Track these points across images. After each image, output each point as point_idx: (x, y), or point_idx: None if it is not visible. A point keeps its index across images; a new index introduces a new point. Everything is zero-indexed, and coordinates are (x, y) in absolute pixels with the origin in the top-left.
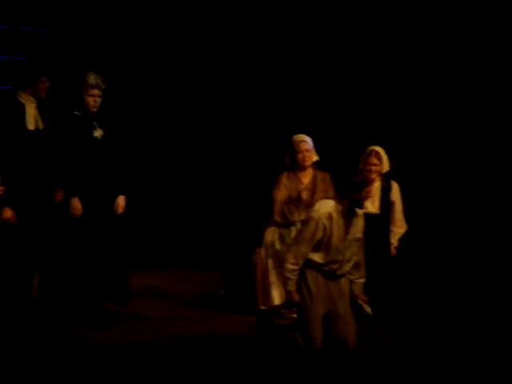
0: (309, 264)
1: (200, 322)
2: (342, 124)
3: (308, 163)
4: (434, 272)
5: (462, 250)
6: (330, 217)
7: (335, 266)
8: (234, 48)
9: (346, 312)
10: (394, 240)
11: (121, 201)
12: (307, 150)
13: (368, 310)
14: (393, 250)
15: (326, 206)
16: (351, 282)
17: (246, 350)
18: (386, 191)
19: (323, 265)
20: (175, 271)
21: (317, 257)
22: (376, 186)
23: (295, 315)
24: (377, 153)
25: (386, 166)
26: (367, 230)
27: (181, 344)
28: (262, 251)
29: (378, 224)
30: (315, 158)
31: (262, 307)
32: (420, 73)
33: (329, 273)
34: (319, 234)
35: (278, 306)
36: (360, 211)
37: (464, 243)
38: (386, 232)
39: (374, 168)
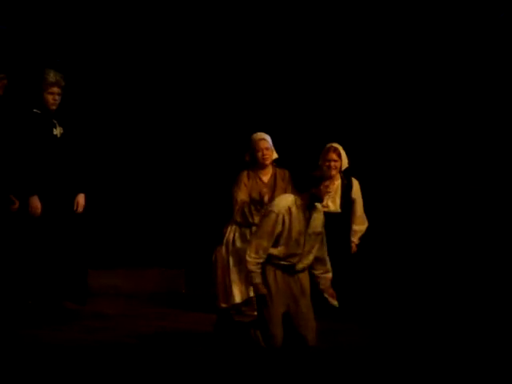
0: (268, 260)
1: (161, 320)
2: (300, 122)
3: (268, 161)
4: (394, 269)
5: (421, 247)
6: (289, 211)
7: (294, 260)
8: (189, 45)
9: (306, 309)
10: (355, 238)
11: (80, 199)
12: (267, 148)
13: (334, 303)
14: (354, 248)
15: (286, 201)
16: (318, 276)
17: (207, 348)
18: (346, 189)
19: (282, 259)
20: (136, 269)
21: (276, 251)
22: (336, 183)
23: (256, 313)
24: (335, 149)
25: (345, 163)
26: (329, 229)
27: (141, 342)
28: (223, 249)
29: (340, 222)
30: (275, 155)
31: (223, 305)
32: (375, 70)
33: (288, 268)
34: (279, 228)
35: (238, 303)
36: (320, 206)
37: (423, 239)
38: (348, 230)
39: (333, 164)
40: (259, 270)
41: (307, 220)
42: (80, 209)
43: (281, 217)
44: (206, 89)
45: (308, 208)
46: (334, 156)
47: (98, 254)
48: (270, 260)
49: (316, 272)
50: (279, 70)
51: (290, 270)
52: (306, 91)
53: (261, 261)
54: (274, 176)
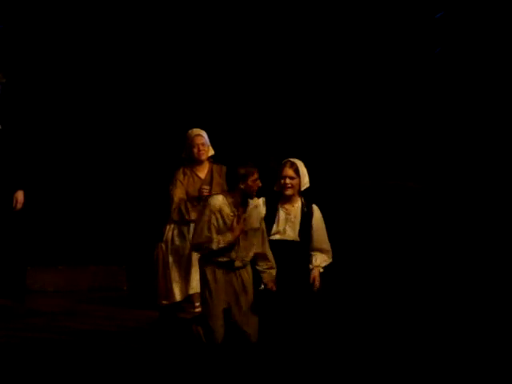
0: (207, 258)
1: (102, 317)
2: (241, 121)
3: (203, 157)
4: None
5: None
6: (219, 210)
7: (232, 256)
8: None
9: (248, 306)
10: (319, 263)
11: (19, 196)
12: (202, 144)
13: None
14: (316, 276)
15: (216, 201)
16: (261, 271)
17: (148, 345)
18: (306, 216)
19: (219, 255)
20: (76, 266)
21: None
22: (296, 206)
23: (197, 310)
24: (292, 164)
25: (305, 182)
26: (286, 259)
27: (80, 340)
28: (163, 247)
29: (298, 252)
30: (211, 152)
31: (164, 302)
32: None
33: (227, 264)
34: (214, 223)
35: (178, 301)
36: (256, 201)
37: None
38: (306, 261)
39: (288, 181)
40: (218, 240)
41: (240, 215)
42: (19, 206)
43: (213, 217)
44: (141, 86)
45: (241, 205)
46: (290, 172)
47: (39, 251)
48: (209, 257)
49: (259, 268)
50: (221, 69)
51: (230, 267)
52: (246, 88)
53: (211, 244)
54: (211, 171)
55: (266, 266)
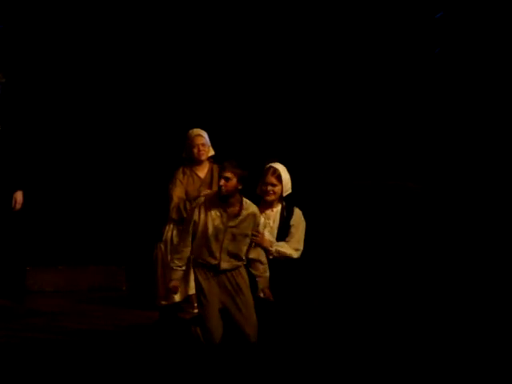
0: (196, 263)
1: (101, 317)
2: (243, 121)
3: (203, 157)
4: None
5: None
6: (205, 206)
7: (215, 259)
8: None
9: (245, 306)
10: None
11: (18, 196)
12: (203, 144)
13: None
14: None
15: (202, 196)
16: (256, 276)
17: (147, 345)
18: (286, 220)
19: (202, 257)
20: (75, 266)
21: (195, 245)
22: (275, 211)
23: (196, 310)
24: (275, 170)
25: (287, 188)
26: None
27: (78, 340)
28: (163, 247)
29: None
30: (211, 152)
31: (163, 302)
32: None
33: (213, 268)
34: (195, 217)
35: (178, 302)
36: (255, 209)
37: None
38: (284, 268)
39: (270, 188)
40: (179, 267)
41: (228, 218)
42: (18, 206)
43: (197, 209)
44: (142, 87)
45: (221, 205)
46: (272, 179)
47: (39, 251)
48: (198, 262)
49: (255, 272)
50: (221, 70)
51: (217, 270)
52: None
53: (181, 255)
54: (211, 172)
55: (261, 271)
